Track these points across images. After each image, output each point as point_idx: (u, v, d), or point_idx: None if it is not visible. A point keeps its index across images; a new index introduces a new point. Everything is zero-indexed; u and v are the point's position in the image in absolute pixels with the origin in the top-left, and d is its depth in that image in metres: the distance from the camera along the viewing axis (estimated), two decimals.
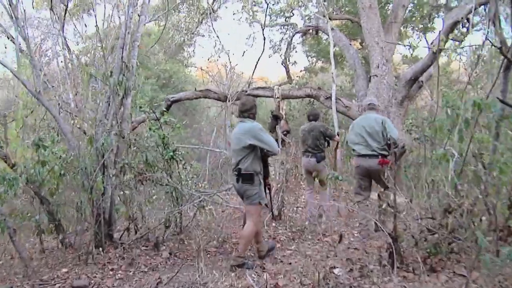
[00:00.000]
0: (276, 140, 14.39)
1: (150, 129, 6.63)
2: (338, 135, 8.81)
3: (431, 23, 20.69)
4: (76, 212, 5.71)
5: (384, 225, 4.98)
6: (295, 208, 9.05)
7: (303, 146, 8.27)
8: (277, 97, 13.92)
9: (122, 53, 6.11)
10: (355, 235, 7.45)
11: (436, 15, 20.25)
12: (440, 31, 13.16)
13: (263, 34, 17.51)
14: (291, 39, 17.49)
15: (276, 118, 14.86)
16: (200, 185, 7.70)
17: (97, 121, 6.01)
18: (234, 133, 5.69)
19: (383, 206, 4.76)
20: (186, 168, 7.08)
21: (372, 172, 6.67)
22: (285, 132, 13.83)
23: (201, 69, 18.09)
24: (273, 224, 7.40)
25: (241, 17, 20.80)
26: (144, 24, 6.84)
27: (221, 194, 8.48)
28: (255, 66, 16.02)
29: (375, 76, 13.12)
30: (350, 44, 14.94)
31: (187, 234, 6.64)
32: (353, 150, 6.94)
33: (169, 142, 6.76)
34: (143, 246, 6.10)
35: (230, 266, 5.38)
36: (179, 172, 6.87)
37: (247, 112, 5.68)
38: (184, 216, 7.13)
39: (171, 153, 6.67)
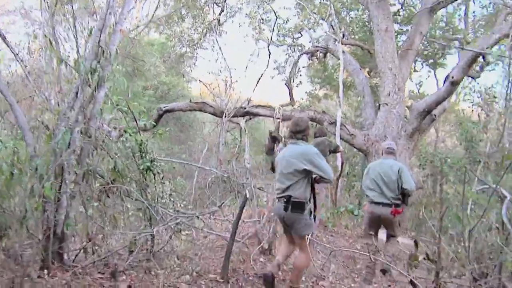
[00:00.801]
0: (272, 163, 13.40)
1: (125, 131, 5.52)
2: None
3: (443, 58, 19.86)
4: (17, 222, 4.54)
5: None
6: None
7: None
8: (278, 118, 12.90)
9: (100, 36, 5.05)
10: (356, 279, 6.40)
11: (448, 51, 19.47)
12: (457, 63, 12.27)
13: (269, 50, 16.55)
14: (298, 58, 16.55)
15: (274, 139, 13.77)
16: (179, 205, 6.51)
17: (61, 114, 4.89)
18: (284, 155, 5.24)
19: (420, 258, 3.73)
20: (164, 183, 5.92)
21: (384, 220, 6.60)
22: None
23: (200, 81, 17.04)
24: (261, 259, 6.24)
25: (247, 34, 20.12)
26: (130, 10, 5.81)
27: (204, 217, 7.33)
28: (258, 81, 15.02)
29: (385, 104, 12.16)
30: (360, 69, 14.00)
31: (158, 262, 5.48)
32: (367, 195, 6.77)
33: (147, 150, 5.67)
34: (99, 272, 4.92)
35: None
36: (155, 187, 5.76)
37: (301, 133, 5.27)
38: (158, 239, 5.97)
39: (148, 163, 5.56)
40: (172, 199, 6.00)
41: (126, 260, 5.11)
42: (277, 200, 5.34)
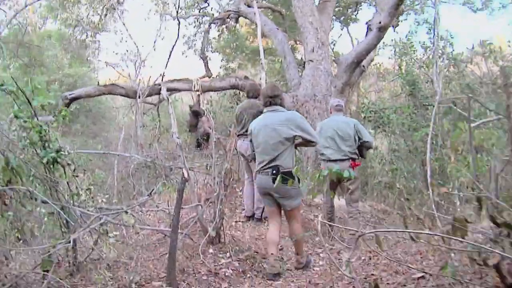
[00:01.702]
0: (197, 140, 12.34)
1: (16, 117, 4.22)
2: None
3: (357, 12, 19.41)
4: None
5: None
6: (234, 223, 6.92)
7: (239, 127, 7.15)
8: (197, 90, 11.80)
9: None
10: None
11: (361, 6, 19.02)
12: (377, 10, 11.71)
13: (178, 20, 15.24)
14: (209, 26, 15.36)
15: (196, 114, 12.71)
16: (101, 201, 5.29)
17: None
18: (266, 124, 4.94)
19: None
20: (77, 176, 4.71)
21: (341, 178, 5.98)
22: (206, 133, 11.73)
23: (106, 63, 15.52)
24: (211, 251, 5.19)
25: (150, 10, 18.63)
26: None
27: (133, 211, 6.18)
28: (169, 56, 13.78)
29: (310, 61, 11.37)
30: (278, 29, 13.07)
31: (85, 276, 4.33)
32: (322, 154, 6.56)
33: (51, 138, 4.44)
34: None
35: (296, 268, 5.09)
36: (68, 183, 4.55)
37: (278, 97, 5.02)
38: (82, 247, 4.78)
39: (53, 154, 4.34)
40: (91, 195, 4.79)
41: (41, 283, 3.90)
42: (259, 174, 5.00)
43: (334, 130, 6.38)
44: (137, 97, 12.07)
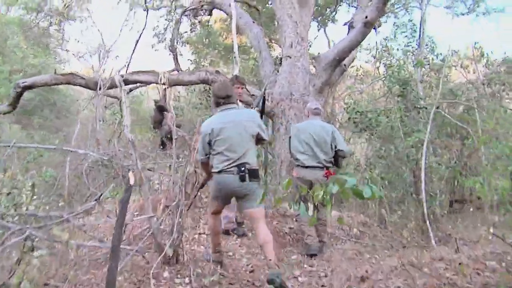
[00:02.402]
0: (162, 139, 11.32)
1: None
2: None
3: (335, 12, 18.63)
4: None
5: None
6: (197, 236, 5.90)
7: None
8: (163, 84, 10.78)
9: None
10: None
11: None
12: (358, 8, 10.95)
13: (147, 9, 14.17)
14: (181, 17, 14.32)
15: (161, 110, 11.63)
16: (37, 207, 4.25)
17: None
18: (232, 120, 4.72)
19: None
20: None
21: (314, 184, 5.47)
22: (170, 130, 10.66)
23: (67, 51, 14.36)
24: (166, 274, 4.19)
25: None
26: None
27: (81, 219, 5.17)
28: (135, 46, 12.71)
29: (287, 57, 10.48)
30: (254, 22, 12.13)
31: None
32: (296, 159, 6.22)
33: None
34: None
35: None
36: None
37: (232, 97, 4.88)
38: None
39: None
40: (13, 201, 3.76)
41: None
42: (222, 173, 4.67)
43: (311, 134, 6.13)
44: (98, 88, 10.98)
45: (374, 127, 8.01)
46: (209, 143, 4.74)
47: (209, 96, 11.97)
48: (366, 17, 8.94)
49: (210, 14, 15.37)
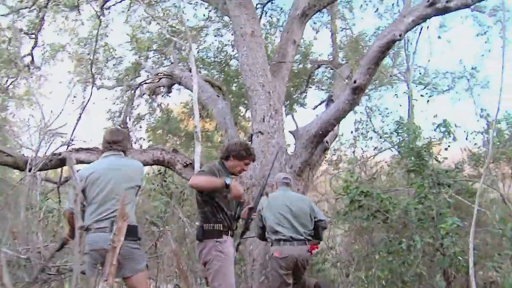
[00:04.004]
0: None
1: None
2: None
3: (305, 95, 17.26)
4: None
5: None
6: None
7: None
8: None
9: None
10: None
11: (310, 86, 16.95)
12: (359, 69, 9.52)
13: (93, 83, 12.38)
14: (134, 92, 12.64)
15: None
16: None
17: None
18: (111, 167, 4.15)
19: None
20: None
21: (300, 264, 5.40)
22: None
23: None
24: None
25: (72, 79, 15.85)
26: None
27: None
28: (77, 121, 10.75)
29: (259, 133, 8.82)
30: (218, 96, 10.51)
31: None
32: (274, 232, 5.48)
33: None
34: None
35: None
36: None
37: (121, 144, 4.34)
38: None
39: None
40: None
41: None
42: (91, 232, 3.97)
43: (287, 206, 5.59)
44: (29, 170, 8.91)
45: (389, 210, 6.07)
46: (83, 191, 4.10)
47: (165, 181, 10.02)
48: (355, 81, 7.44)
49: (169, 91, 13.81)
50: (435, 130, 7.09)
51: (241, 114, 16.98)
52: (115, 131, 4.59)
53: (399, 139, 7.78)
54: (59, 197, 10.61)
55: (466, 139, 6.99)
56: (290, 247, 5.37)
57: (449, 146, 7.57)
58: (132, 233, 3.89)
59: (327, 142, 8.98)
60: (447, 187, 5.95)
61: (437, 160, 6.52)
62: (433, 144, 6.88)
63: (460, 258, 5.29)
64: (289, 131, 9.02)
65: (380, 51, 7.30)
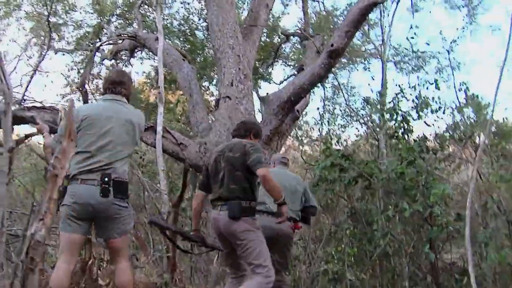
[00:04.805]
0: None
1: None
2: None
3: (271, 68, 16.80)
4: None
5: None
6: None
7: (214, 184, 4.39)
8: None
9: None
10: None
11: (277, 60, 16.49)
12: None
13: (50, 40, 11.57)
14: (93, 53, 11.89)
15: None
16: None
17: None
18: (112, 115, 3.65)
19: None
20: None
21: (280, 239, 5.17)
22: None
23: None
24: None
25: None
26: None
27: None
28: (30, 79, 9.98)
29: (226, 98, 8.31)
30: (184, 60, 9.92)
31: None
32: (261, 203, 4.91)
33: None
34: None
35: None
36: None
37: (124, 86, 3.80)
38: None
39: None
40: None
41: None
42: (79, 183, 3.49)
43: (281, 181, 4.96)
44: None
45: (373, 175, 5.64)
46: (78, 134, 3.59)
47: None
48: (332, 45, 7.01)
49: (132, 56, 13.10)
50: (412, 101, 6.68)
51: (204, 87, 16.36)
52: (120, 71, 4.10)
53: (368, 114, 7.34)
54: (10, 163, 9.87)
55: (444, 113, 6.59)
56: (270, 218, 5.04)
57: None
58: (121, 190, 3.55)
59: (297, 111, 8.58)
60: (434, 155, 5.61)
61: (426, 123, 6.13)
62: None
63: (451, 228, 4.98)
64: (258, 97, 8.56)
65: (360, 13, 6.90)
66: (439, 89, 6.11)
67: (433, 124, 6.78)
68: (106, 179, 3.51)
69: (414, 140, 6.03)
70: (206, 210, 6.32)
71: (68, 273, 3.51)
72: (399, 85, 6.60)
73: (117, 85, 3.78)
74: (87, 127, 3.60)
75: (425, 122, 6.01)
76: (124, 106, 3.77)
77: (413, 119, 6.07)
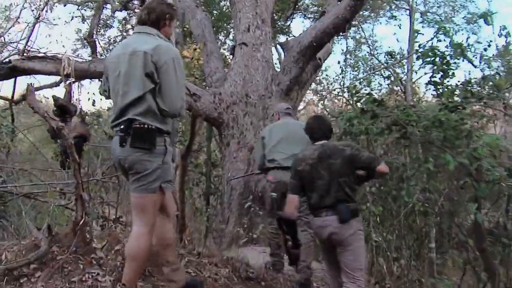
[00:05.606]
0: (62, 153, 8.18)
1: None
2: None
3: (290, 20, 16.08)
4: None
5: None
6: None
7: (312, 193, 4.00)
8: (67, 75, 7.57)
9: None
10: None
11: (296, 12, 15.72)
12: None
13: None
14: (102, 4, 11.28)
15: (63, 111, 8.31)
16: None
17: None
18: (117, 51, 3.24)
19: None
20: None
21: None
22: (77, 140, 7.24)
23: None
24: None
25: None
26: None
27: None
28: (32, 28, 9.41)
29: (243, 45, 7.69)
30: (197, 7, 9.25)
31: None
32: (271, 160, 5.22)
33: None
34: None
35: None
36: None
37: (148, 12, 3.20)
38: None
39: None
40: None
41: None
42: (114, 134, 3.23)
43: (288, 133, 5.30)
44: None
45: (409, 123, 4.93)
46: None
47: None
48: None
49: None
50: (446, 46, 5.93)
51: (220, 41, 15.70)
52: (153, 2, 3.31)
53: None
54: (12, 115, 9.43)
55: (480, 62, 5.86)
56: (284, 172, 4.86)
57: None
58: (139, 138, 3.01)
59: (319, 59, 7.93)
60: (479, 100, 4.94)
61: (471, 63, 5.39)
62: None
63: (503, 185, 4.36)
64: (277, 43, 7.92)
65: None
66: (488, 24, 5.36)
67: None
68: (122, 126, 3.06)
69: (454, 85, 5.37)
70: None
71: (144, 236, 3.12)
72: (439, 25, 5.85)
73: (142, 13, 3.25)
74: (109, 75, 3.27)
75: (470, 62, 5.28)
76: (143, 36, 3.16)
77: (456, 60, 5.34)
